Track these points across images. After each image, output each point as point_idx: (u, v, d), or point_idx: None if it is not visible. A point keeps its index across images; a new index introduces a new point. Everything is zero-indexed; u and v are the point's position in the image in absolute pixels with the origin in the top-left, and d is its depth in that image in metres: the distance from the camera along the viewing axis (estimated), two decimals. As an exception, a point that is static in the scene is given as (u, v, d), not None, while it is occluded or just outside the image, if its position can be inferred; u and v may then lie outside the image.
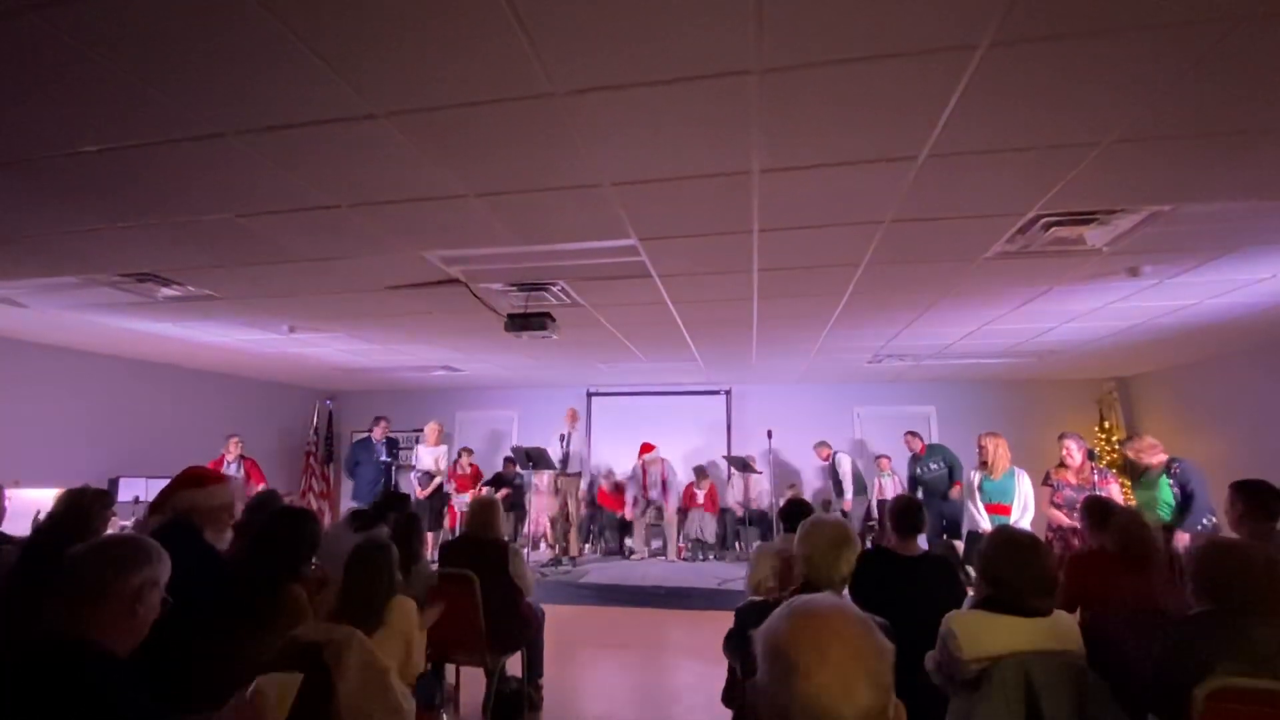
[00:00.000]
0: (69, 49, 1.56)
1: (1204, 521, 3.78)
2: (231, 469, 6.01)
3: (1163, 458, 3.99)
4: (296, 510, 2.38)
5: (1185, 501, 3.81)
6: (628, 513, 7.45)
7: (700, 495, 7.25)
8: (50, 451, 5.67)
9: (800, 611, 0.87)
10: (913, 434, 6.70)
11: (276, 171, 2.22)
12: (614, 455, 8.22)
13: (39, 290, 3.83)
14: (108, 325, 4.76)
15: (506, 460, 7.58)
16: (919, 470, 6.43)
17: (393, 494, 3.13)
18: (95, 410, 6.14)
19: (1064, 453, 4.41)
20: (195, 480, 2.47)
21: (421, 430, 7.73)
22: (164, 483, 5.92)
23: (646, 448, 7.55)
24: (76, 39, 1.53)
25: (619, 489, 7.64)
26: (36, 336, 5.34)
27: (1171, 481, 3.92)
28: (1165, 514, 3.88)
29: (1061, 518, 4.23)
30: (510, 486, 7.27)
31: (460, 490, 7.34)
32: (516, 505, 7.27)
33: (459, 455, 7.66)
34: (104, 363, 6.19)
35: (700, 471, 7.45)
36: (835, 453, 7.13)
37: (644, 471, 7.46)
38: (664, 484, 7.31)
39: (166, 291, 3.76)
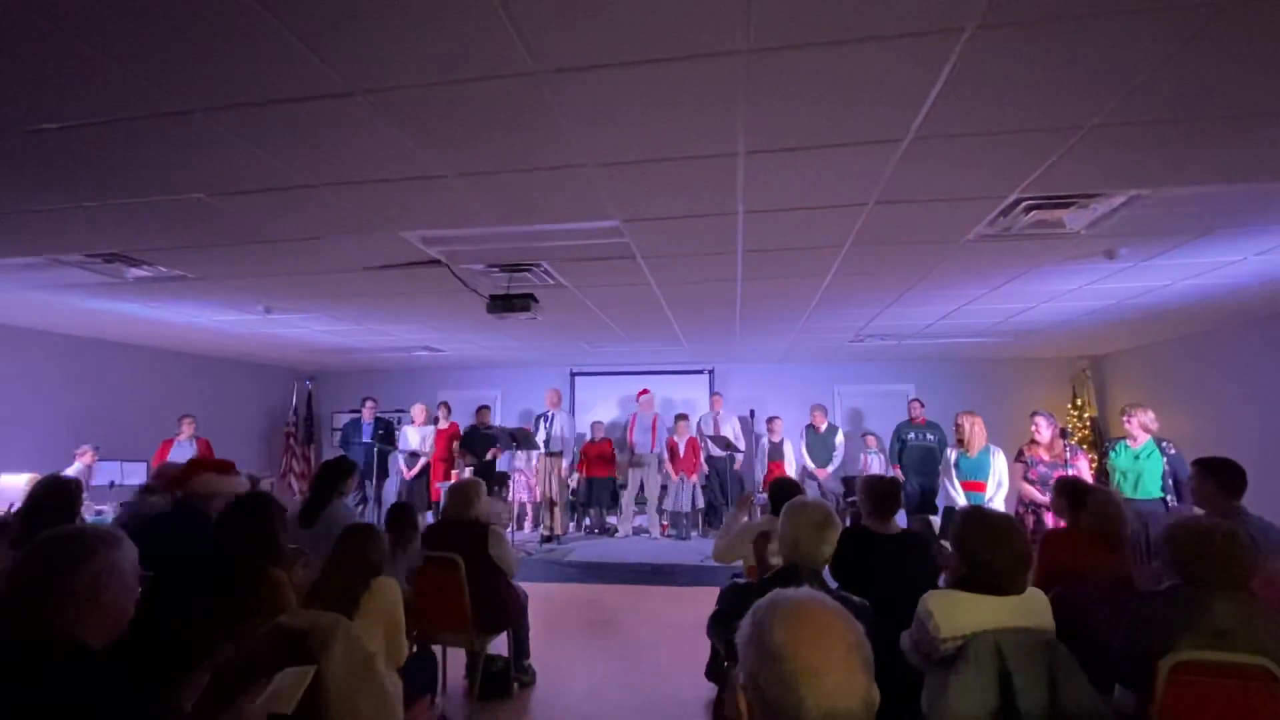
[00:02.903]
0: (28, 23, 1.49)
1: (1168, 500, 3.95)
2: (185, 448, 5.90)
3: (1155, 429, 4.25)
4: (258, 495, 2.33)
5: (1178, 488, 3.98)
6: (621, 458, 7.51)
7: (682, 445, 7.23)
8: (21, 436, 5.54)
9: (791, 613, 0.88)
10: (919, 402, 6.70)
11: (249, 150, 2.15)
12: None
13: (3, 271, 3.70)
14: (77, 306, 4.62)
15: (481, 409, 7.61)
16: (912, 435, 6.42)
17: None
18: (67, 394, 5.99)
19: (1033, 428, 4.53)
20: (218, 467, 2.62)
21: (403, 411, 7.67)
22: (140, 466, 5.79)
23: (643, 392, 7.67)
24: (37, 12, 1.45)
25: (604, 454, 7.57)
26: (3, 318, 5.17)
27: (1165, 460, 4.09)
28: (1155, 490, 4.08)
29: (1035, 493, 4.34)
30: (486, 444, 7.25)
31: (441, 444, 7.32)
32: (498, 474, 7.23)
33: (439, 406, 7.61)
34: (76, 345, 6.03)
35: (680, 417, 7.43)
36: (831, 424, 7.25)
37: (633, 419, 7.57)
38: (654, 427, 7.44)
39: (136, 272, 3.65)
